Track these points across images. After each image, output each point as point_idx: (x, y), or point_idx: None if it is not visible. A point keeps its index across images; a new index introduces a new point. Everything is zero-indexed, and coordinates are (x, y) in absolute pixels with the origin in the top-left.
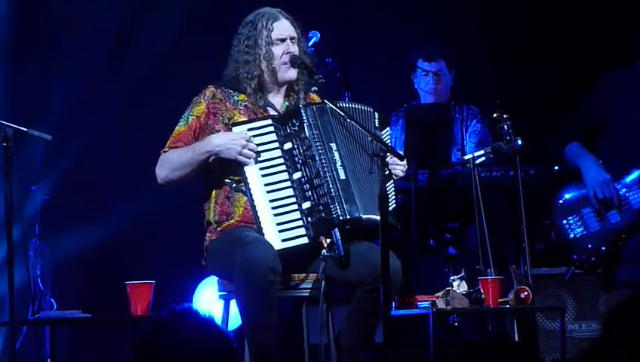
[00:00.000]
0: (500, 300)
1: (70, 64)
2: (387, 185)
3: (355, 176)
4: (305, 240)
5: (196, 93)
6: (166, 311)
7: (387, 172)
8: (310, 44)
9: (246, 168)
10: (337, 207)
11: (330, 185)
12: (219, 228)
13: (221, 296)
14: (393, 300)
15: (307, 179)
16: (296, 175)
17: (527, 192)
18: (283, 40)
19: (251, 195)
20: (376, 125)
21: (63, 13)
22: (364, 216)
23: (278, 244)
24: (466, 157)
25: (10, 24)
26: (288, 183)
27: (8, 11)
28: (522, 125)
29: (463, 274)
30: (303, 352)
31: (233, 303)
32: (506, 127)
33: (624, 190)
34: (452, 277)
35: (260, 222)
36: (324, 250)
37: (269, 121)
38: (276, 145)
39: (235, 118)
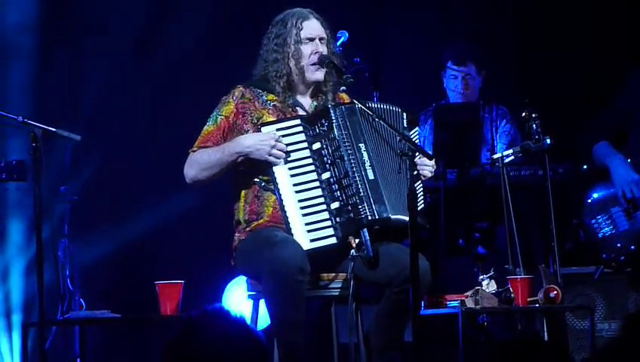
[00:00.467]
0: (529, 299)
1: (98, 64)
2: (416, 184)
3: (383, 177)
4: (333, 240)
5: (224, 93)
6: (197, 311)
7: (416, 172)
8: (338, 43)
9: (275, 168)
10: (366, 207)
11: (359, 186)
12: (248, 228)
13: (250, 296)
14: (422, 300)
15: (336, 179)
16: (325, 175)
17: (556, 191)
18: (312, 39)
19: (280, 195)
20: (405, 125)
21: (91, 14)
22: (392, 217)
23: (306, 244)
24: (495, 157)
25: (39, 26)
26: (317, 183)
27: (37, 13)
28: (550, 124)
29: (492, 273)
30: (332, 351)
31: (262, 303)
32: (534, 126)
33: None
34: (481, 277)
35: (288, 222)
36: (352, 250)
37: (298, 121)
38: (305, 145)
39: (264, 117)
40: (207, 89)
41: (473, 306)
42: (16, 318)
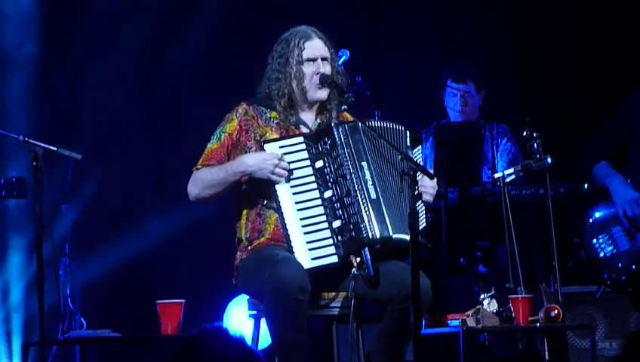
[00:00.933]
0: (530, 318)
1: (100, 82)
2: (417, 204)
3: (385, 196)
4: (335, 259)
5: (227, 110)
6: (197, 330)
7: (417, 191)
8: (340, 62)
9: (277, 186)
10: (368, 226)
11: (361, 205)
12: (249, 247)
13: (251, 315)
14: (423, 318)
15: (338, 197)
16: (327, 193)
17: (557, 210)
18: (314, 60)
19: (282, 213)
20: (408, 144)
21: (93, 31)
22: (394, 236)
23: (307, 263)
24: (496, 176)
25: (40, 43)
26: (319, 201)
27: (38, 30)
28: (551, 143)
29: (493, 292)
30: None
31: (263, 322)
32: (535, 145)
33: None
34: (482, 296)
35: (290, 241)
36: (354, 269)
37: (301, 139)
38: (307, 163)
39: (267, 135)
40: (209, 106)
41: (474, 325)
42: (17, 338)
